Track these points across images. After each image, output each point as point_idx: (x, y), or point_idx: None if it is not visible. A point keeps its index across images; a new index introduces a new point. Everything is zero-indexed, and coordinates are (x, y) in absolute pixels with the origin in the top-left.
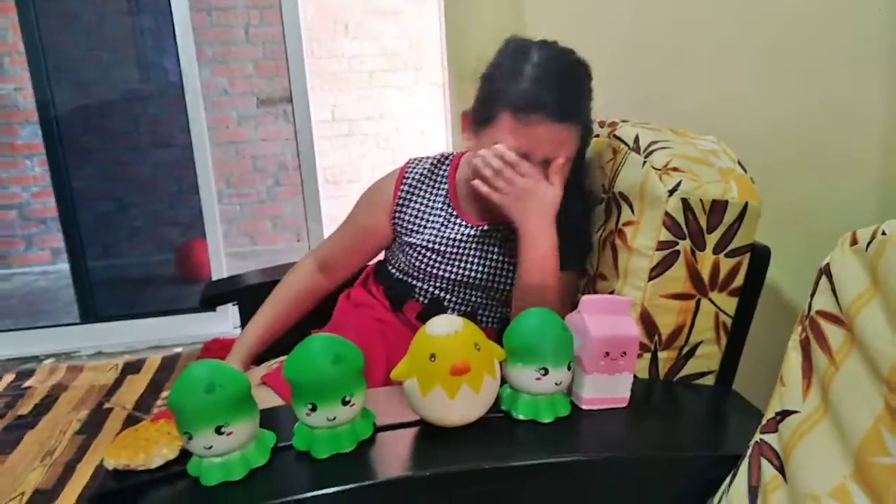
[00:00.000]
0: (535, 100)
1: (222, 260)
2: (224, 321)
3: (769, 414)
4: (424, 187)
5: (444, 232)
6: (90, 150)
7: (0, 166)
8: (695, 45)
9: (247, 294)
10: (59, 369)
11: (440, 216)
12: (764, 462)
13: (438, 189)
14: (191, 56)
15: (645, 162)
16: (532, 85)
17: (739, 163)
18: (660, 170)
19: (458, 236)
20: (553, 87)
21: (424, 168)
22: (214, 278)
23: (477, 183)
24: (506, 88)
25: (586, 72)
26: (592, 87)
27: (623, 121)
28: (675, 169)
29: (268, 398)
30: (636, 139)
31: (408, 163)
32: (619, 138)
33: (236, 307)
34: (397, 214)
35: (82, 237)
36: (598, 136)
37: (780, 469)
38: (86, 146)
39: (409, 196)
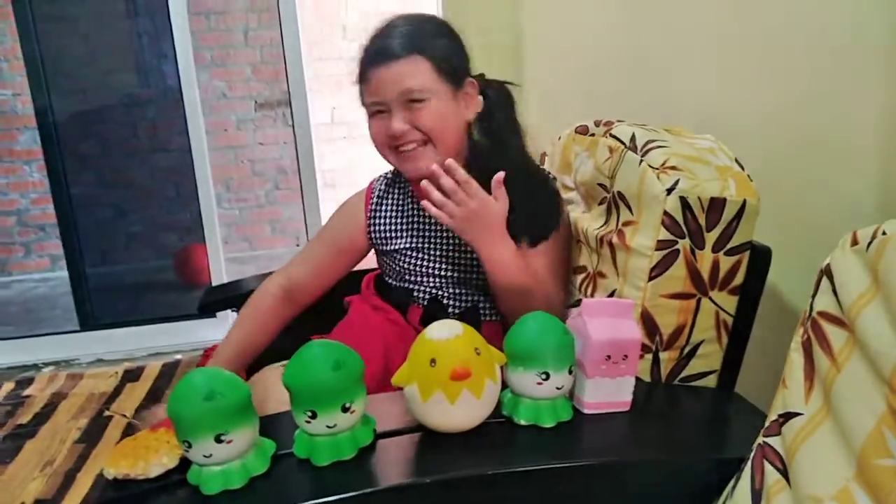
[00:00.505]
0: (364, 57)
1: (222, 265)
2: (224, 327)
3: (772, 416)
4: (392, 195)
5: (423, 229)
6: (89, 156)
7: None
8: (692, 41)
9: (245, 300)
10: (58, 377)
11: (413, 216)
12: (767, 465)
13: (404, 193)
14: (189, 60)
15: (642, 161)
16: (364, 50)
17: (737, 160)
18: (657, 169)
19: (436, 230)
20: (376, 38)
21: (386, 179)
22: (214, 284)
23: (426, 204)
24: (357, 72)
25: (427, 20)
26: (447, 32)
27: (619, 120)
28: (672, 167)
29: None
30: (632, 138)
31: (372, 181)
32: (615, 137)
33: (236, 313)
34: (372, 228)
35: (81, 244)
36: (593, 134)
37: (784, 472)
38: (84, 152)
39: (379, 207)
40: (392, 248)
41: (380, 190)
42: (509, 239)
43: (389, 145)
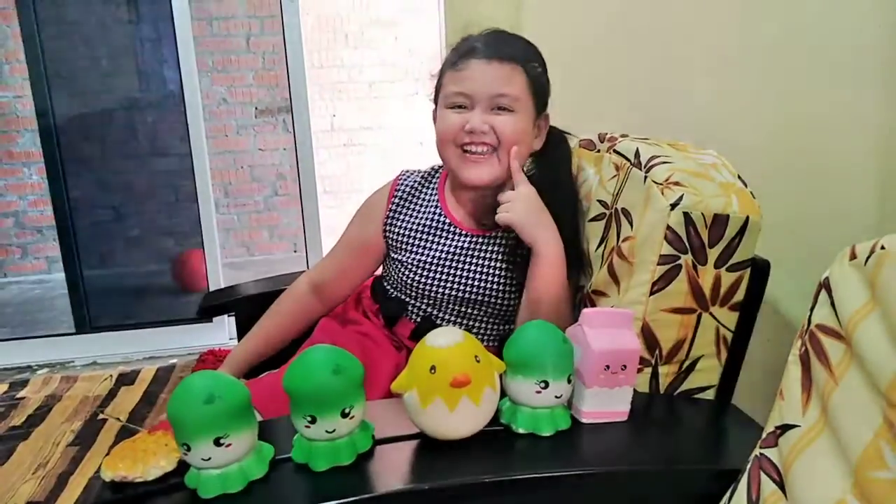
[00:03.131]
0: (465, 48)
1: (219, 270)
2: (220, 332)
3: (769, 428)
4: (415, 199)
5: (437, 244)
6: (88, 159)
7: None
8: (694, 55)
9: (243, 305)
10: (52, 380)
11: (431, 227)
12: (763, 477)
13: (429, 199)
14: (191, 65)
15: (646, 177)
16: (466, 43)
17: (740, 177)
18: (661, 184)
19: (451, 248)
20: (484, 36)
21: (415, 180)
22: (212, 288)
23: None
24: (447, 59)
25: (531, 45)
26: (543, 65)
27: (623, 135)
28: (676, 183)
29: None
30: (636, 153)
31: (400, 174)
32: (619, 153)
33: (232, 318)
34: (388, 226)
35: (78, 246)
36: (598, 150)
37: (780, 484)
38: (84, 155)
39: (400, 208)
40: (399, 257)
41: (404, 190)
42: (552, 223)
43: (458, 142)
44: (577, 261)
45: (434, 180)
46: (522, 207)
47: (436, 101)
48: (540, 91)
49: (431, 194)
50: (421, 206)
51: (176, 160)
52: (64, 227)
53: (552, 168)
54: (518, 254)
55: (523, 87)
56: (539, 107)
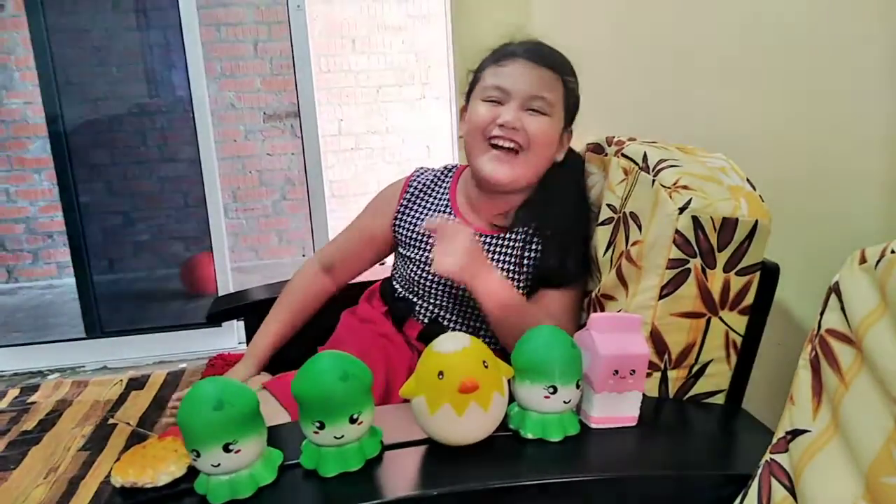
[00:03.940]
0: (507, 51)
1: (228, 274)
2: (229, 336)
3: (779, 433)
4: (427, 196)
5: None
6: (98, 165)
7: (9, 180)
8: (701, 59)
9: (252, 310)
10: (63, 384)
11: None
12: (774, 482)
13: (440, 198)
14: (200, 71)
15: (654, 180)
16: (510, 45)
17: (748, 180)
18: (669, 188)
19: None
20: (526, 42)
21: (429, 178)
22: (221, 293)
23: (434, 269)
24: (488, 57)
25: (570, 65)
26: (577, 84)
27: (630, 139)
28: (684, 187)
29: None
30: (644, 157)
31: (415, 171)
32: (627, 157)
33: (241, 322)
34: (398, 221)
35: (88, 251)
36: (605, 154)
37: (791, 489)
38: (94, 161)
39: (411, 203)
40: (409, 253)
41: (417, 186)
42: (490, 267)
43: (487, 135)
44: (584, 270)
45: (447, 180)
46: (464, 260)
47: (467, 98)
48: (572, 105)
49: (443, 193)
50: (432, 203)
51: (185, 165)
52: (74, 232)
53: (568, 181)
54: (525, 255)
55: (559, 96)
56: (568, 119)
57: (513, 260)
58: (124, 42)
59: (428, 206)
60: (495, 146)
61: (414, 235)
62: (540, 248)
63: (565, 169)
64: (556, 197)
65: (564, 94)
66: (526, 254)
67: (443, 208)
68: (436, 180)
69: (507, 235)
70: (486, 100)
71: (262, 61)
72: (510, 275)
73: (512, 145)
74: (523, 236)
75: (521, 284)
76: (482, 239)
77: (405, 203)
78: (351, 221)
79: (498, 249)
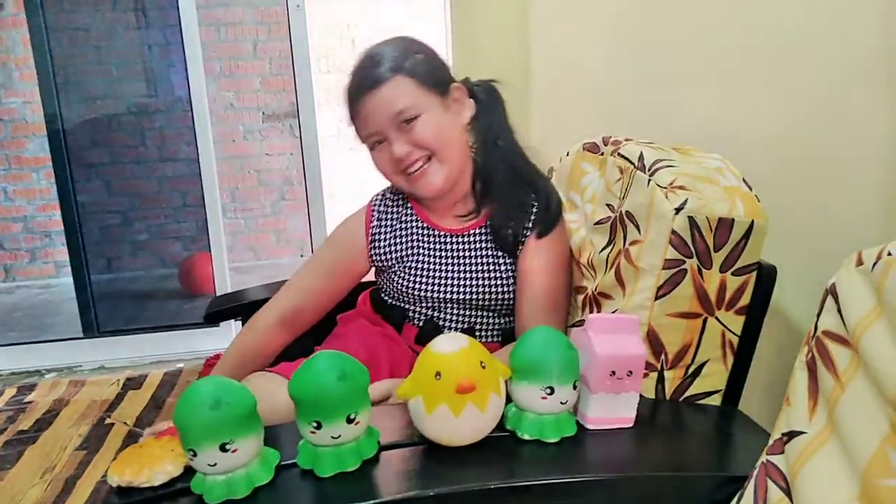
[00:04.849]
0: (351, 87)
1: (227, 275)
2: (227, 336)
3: (775, 435)
4: (392, 213)
5: (425, 251)
6: (96, 164)
7: (7, 179)
8: (700, 59)
9: (250, 310)
10: (60, 384)
11: (415, 237)
12: (770, 483)
13: (406, 213)
14: (199, 71)
15: (650, 181)
16: (350, 85)
17: (745, 181)
18: (665, 188)
19: (439, 251)
20: (358, 68)
21: (388, 198)
22: (219, 293)
23: None
24: (347, 108)
25: (399, 40)
26: (421, 47)
27: (627, 139)
28: (680, 187)
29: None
30: (640, 157)
31: (371, 200)
32: (623, 157)
33: (239, 322)
34: (373, 247)
35: (86, 251)
36: (602, 153)
37: (787, 491)
38: (92, 160)
39: (381, 226)
40: (391, 266)
41: (379, 211)
42: None
43: (397, 171)
44: (541, 219)
45: (402, 195)
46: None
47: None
48: (431, 77)
49: (406, 208)
50: (400, 221)
51: (183, 165)
52: (72, 231)
53: (490, 129)
54: (504, 242)
55: (413, 90)
56: (440, 90)
57: (490, 251)
58: (123, 41)
59: (397, 224)
60: (410, 173)
61: (394, 255)
62: (509, 223)
63: (484, 116)
64: (489, 148)
65: (415, 82)
66: (501, 239)
67: (412, 221)
68: (394, 198)
69: (478, 229)
70: (372, 147)
71: (261, 61)
72: (494, 266)
73: (421, 164)
74: (491, 226)
75: (506, 273)
76: (457, 238)
77: (374, 232)
78: (311, 260)
79: (474, 244)
